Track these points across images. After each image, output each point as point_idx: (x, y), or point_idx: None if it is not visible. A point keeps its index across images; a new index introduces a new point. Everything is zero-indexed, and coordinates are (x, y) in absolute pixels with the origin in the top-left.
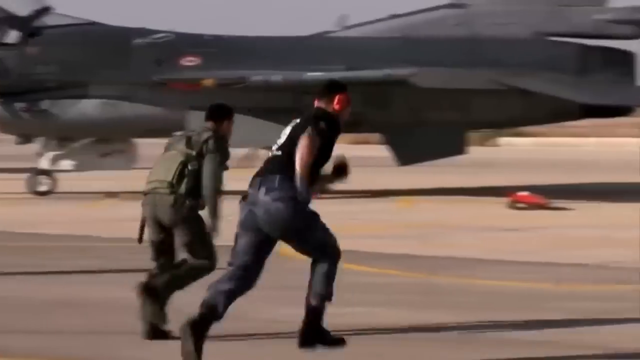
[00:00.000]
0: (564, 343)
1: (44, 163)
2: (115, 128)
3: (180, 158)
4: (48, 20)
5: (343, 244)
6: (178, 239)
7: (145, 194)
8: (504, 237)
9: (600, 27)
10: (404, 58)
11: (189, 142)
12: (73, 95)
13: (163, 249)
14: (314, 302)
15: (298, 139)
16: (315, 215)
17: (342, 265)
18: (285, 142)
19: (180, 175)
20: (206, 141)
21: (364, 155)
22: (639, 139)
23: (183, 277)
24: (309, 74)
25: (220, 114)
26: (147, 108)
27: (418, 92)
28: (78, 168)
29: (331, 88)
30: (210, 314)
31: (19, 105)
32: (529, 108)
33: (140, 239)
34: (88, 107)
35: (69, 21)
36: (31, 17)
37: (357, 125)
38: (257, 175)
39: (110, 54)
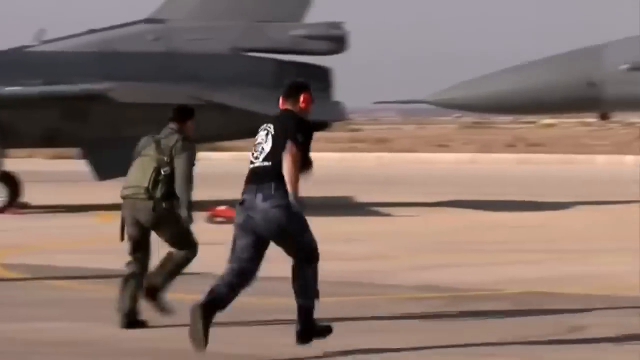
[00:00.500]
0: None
1: None
2: None
3: (154, 164)
4: None
5: (41, 260)
6: (161, 236)
7: (123, 198)
8: (204, 251)
9: (296, 43)
10: (101, 73)
11: (158, 147)
12: None
13: (140, 244)
14: (304, 303)
15: (281, 149)
16: (304, 220)
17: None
18: (269, 153)
19: (155, 180)
20: (175, 144)
21: (63, 170)
22: (335, 153)
23: (175, 268)
24: (7, 88)
25: (184, 115)
26: None
27: (116, 106)
28: None
29: (296, 88)
30: (216, 300)
31: None
32: (227, 123)
33: (122, 238)
34: None
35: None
36: None
37: (55, 140)
38: (251, 182)
39: None
